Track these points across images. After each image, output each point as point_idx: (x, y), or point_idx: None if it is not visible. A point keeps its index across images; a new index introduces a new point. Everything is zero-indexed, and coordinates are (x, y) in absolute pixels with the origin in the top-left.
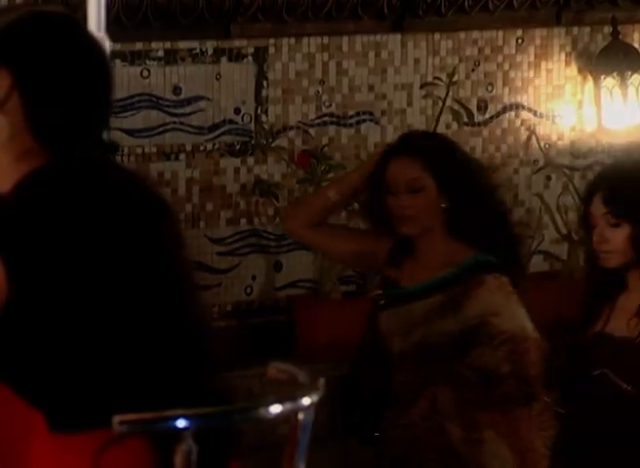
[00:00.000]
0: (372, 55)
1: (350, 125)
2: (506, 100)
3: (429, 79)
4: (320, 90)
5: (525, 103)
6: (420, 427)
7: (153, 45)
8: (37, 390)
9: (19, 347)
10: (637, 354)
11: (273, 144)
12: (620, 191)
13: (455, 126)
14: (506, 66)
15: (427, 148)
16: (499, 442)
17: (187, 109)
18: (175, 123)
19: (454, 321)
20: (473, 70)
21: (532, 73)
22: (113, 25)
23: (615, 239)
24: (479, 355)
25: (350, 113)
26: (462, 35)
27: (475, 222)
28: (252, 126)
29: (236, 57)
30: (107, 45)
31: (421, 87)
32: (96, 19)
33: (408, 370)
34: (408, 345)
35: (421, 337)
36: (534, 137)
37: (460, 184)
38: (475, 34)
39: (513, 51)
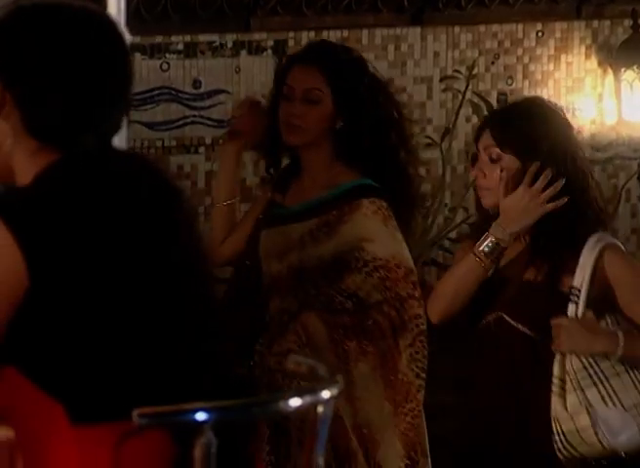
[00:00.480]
0: (391, 48)
1: None
2: (526, 93)
3: (449, 72)
4: None
5: (545, 96)
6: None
7: (173, 38)
8: (58, 382)
9: (39, 339)
10: (533, 297)
11: None
12: (506, 123)
13: (475, 119)
14: (526, 59)
15: (336, 63)
16: (370, 374)
17: (207, 102)
18: (194, 116)
19: (327, 246)
20: (493, 63)
21: (552, 66)
22: (133, 19)
23: (493, 175)
24: (351, 281)
25: None
26: (482, 28)
27: (367, 149)
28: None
29: (256, 50)
30: (127, 38)
31: (441, 80)
32: (115, 12)
33: (284, 294)
34: (284, 267)
35: (297, 261)
36: None
37: (360, 110)
38: (495, 27)
39: (533, 44)
